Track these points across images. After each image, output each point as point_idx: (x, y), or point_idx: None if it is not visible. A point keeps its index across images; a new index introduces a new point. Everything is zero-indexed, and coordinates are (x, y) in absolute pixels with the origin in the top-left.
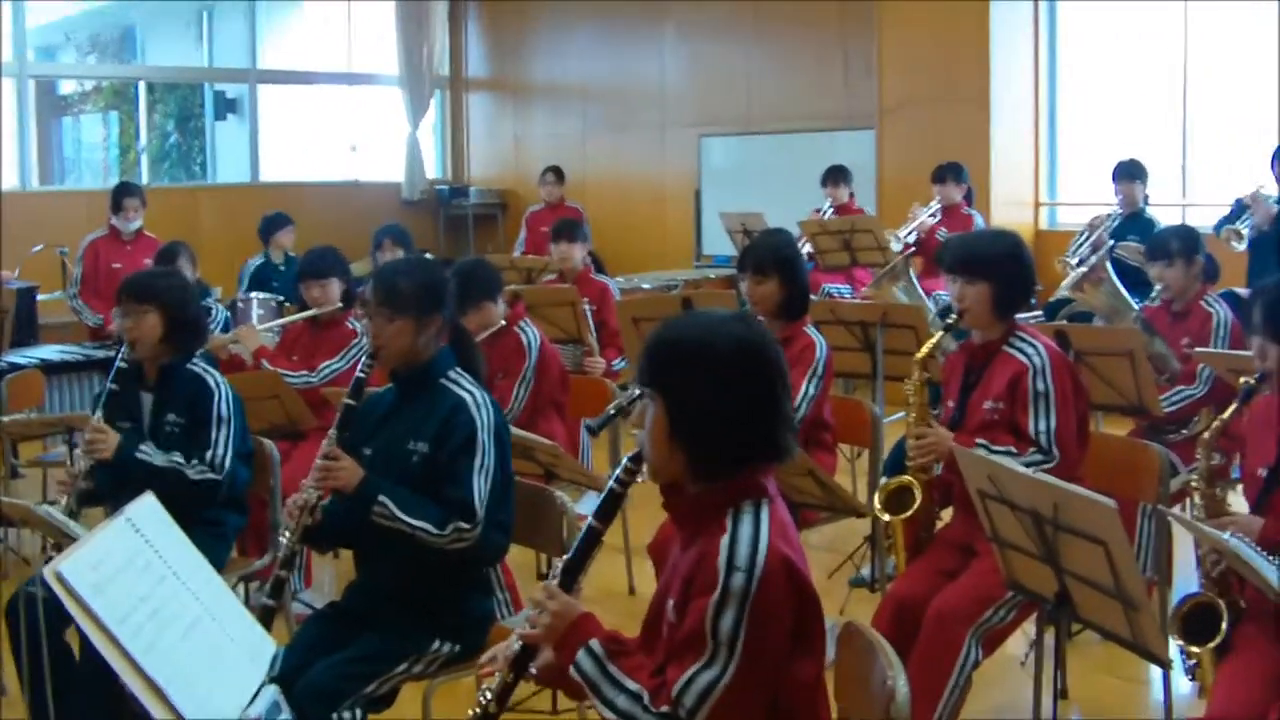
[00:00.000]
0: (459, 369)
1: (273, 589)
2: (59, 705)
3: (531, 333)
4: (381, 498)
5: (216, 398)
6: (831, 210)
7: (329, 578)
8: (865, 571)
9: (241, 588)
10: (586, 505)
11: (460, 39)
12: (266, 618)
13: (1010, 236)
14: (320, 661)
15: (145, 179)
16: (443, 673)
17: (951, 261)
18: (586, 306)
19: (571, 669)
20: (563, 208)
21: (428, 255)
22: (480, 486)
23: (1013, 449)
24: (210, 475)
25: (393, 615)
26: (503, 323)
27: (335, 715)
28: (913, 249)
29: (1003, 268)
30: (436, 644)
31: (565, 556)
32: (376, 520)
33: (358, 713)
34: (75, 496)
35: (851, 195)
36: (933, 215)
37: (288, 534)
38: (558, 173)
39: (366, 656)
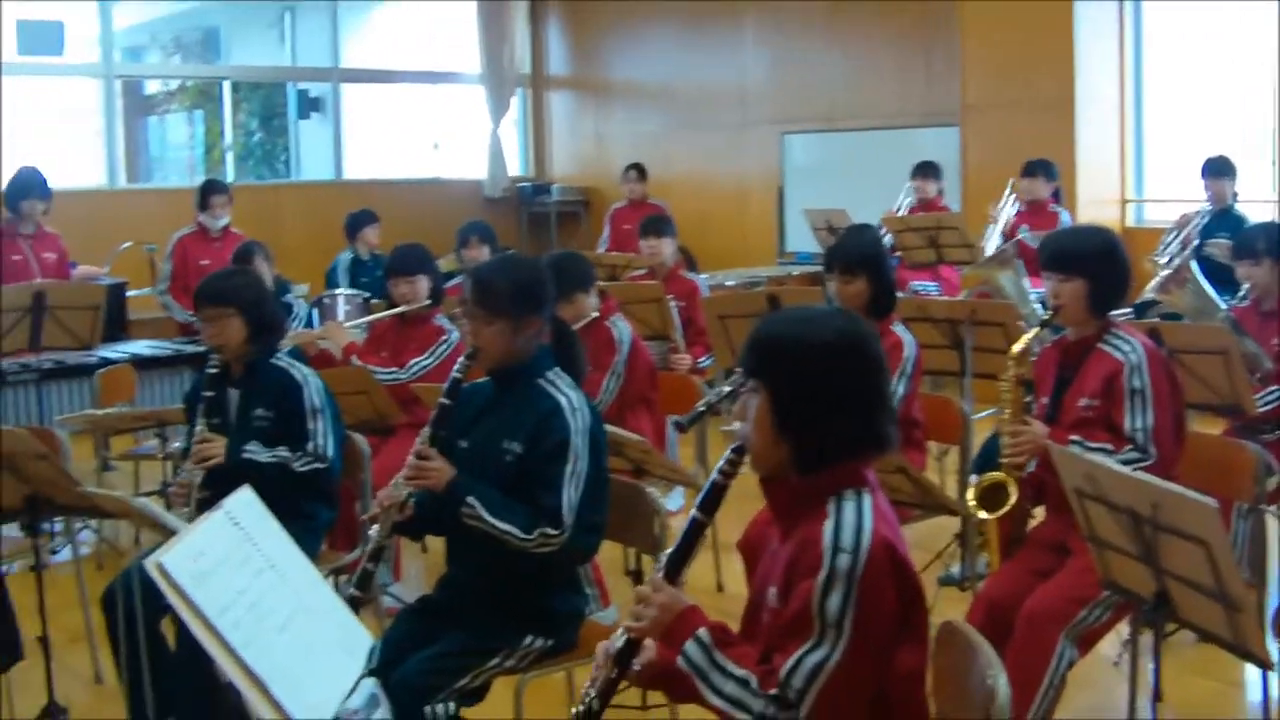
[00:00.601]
0: (557, 370)
1: (359, 581)
2: (156, 694)
3: (623, 327)
4: (470, 499)
5: (306, 389)
6: (912, 204)
7: (418, 571)
8: (955, 569)
9: (330, 581)
10: (673, 500)
11: (541, 37)
12: (353, 610)
13: (1106, 233)
14: (413, 655)
15: (230, 177)
16: (534, 668)
17: (1047, 258)
18: (674, 303)
19: (679, 659)
20: (646, 205)
21: (511, 251)
22: (570, 494)
23: (1108, 446)
24: (316, 464)
25: (485, 610)
26: (594, 315)
27: (428, 709)
28: (1016, 240)
29: (1098, 264)
30: (528, 639)
31: (669, 550)
32: (465, 520)
33: (450, 706)
34: (195, 506)
35: (940, 192)
36: (1012, 206)
37: (376, 528)
38: (640, 170)
39: (459, 651)
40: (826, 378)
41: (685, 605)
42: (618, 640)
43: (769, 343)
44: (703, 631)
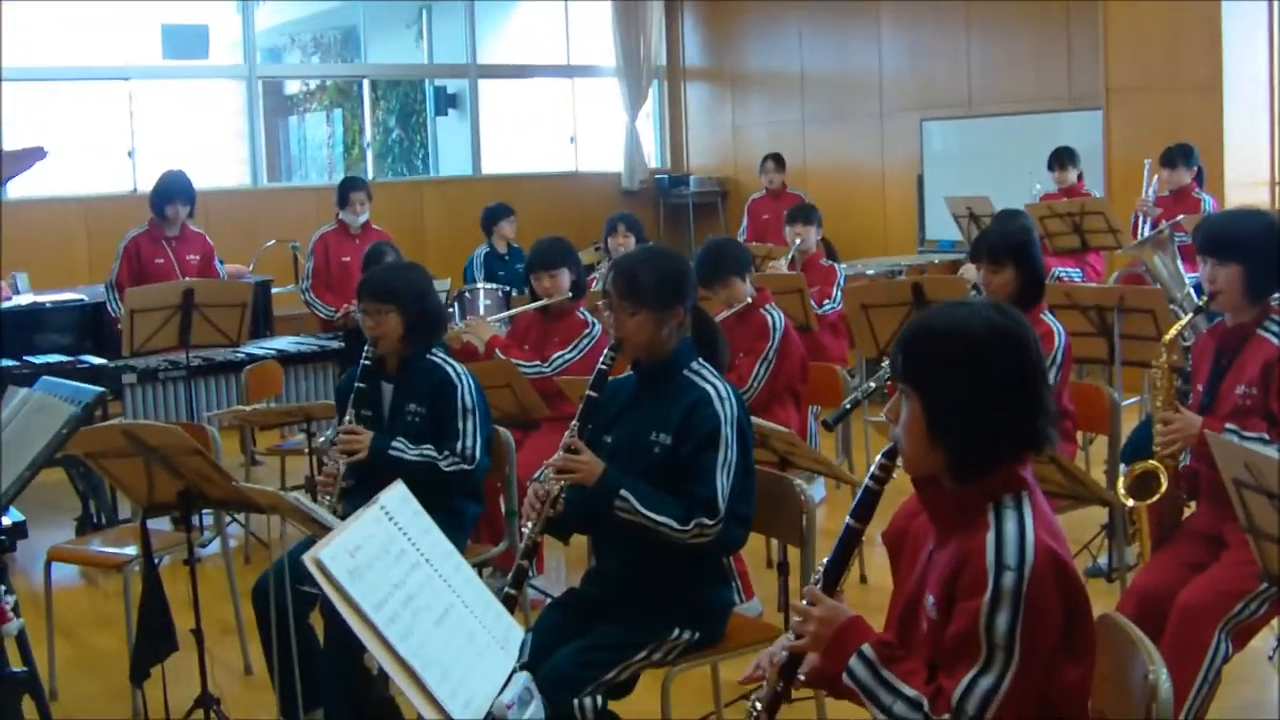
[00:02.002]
0: (701, 360)
1: (514, 579)
2: (305, 686)
3: (777, 316)
4: (624, 492)
5: (460, 389)
6: (1041, 193)
7: (560, 564)
8: (1102, 561)
9: (476, 572)
10: (816, 491)
11: (676, 30)
12: (508, 607)
13: (1265, 217)
14: (562, 649)
15: (370, 174)
16: (682, 660)
17: (1203, 242)
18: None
19: (845, 676)
20: (785, 194)
21: (654, 243)
22: (723, 483)
23: (1265, 436)
24: (462, 465)
25: (632, 604)
26: (749, 300)
27: (577, 702)
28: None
29: (1256, 248)
30: (676, 632)
31: (825, 560)
32: (618, 514)
33: (599, 700)
34: (338, 495)
35: (1080, 177)
36: (1155, 194)
37: (530, 525)
38: (778, 160)
39: (607, 644)
40: (982, 380)
41: (846, 618)
42: (780, 653)
43: (920, 344)
44: (867, 648)
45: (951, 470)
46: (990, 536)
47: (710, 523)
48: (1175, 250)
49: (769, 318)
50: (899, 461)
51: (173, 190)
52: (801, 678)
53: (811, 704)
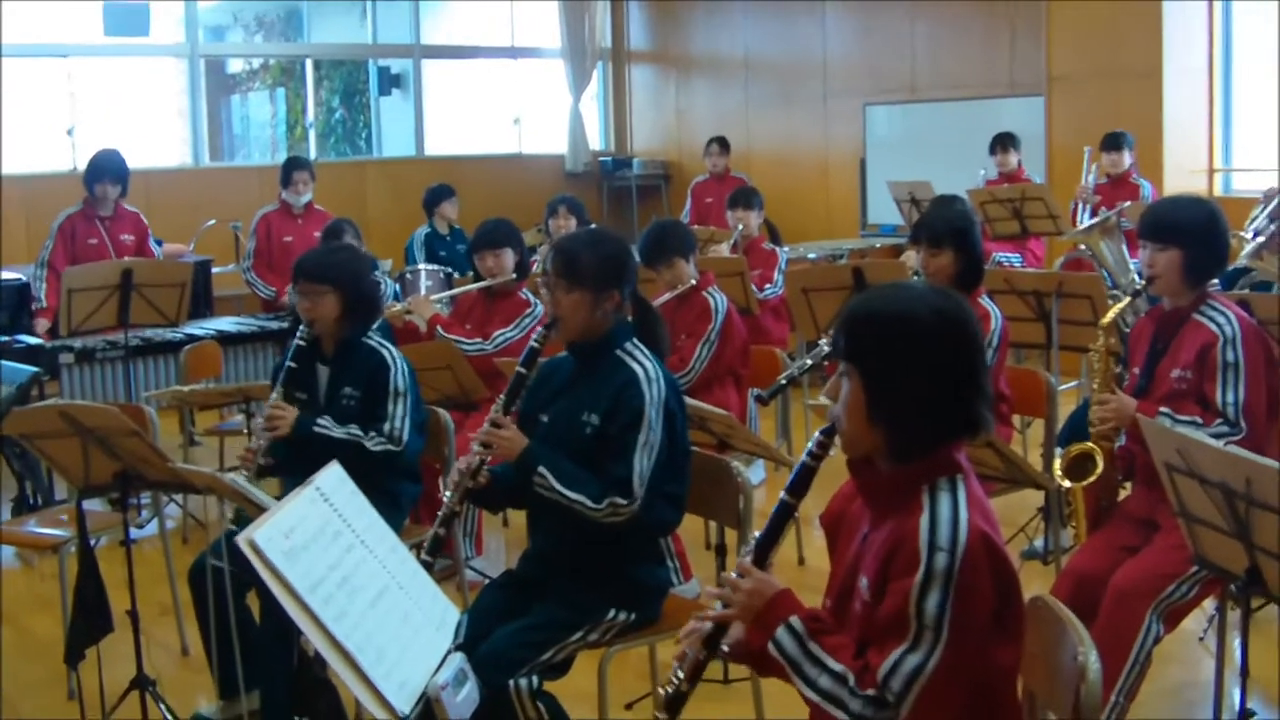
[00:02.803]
0: (636, 341)
1: (430, 546)
2: (242, 666)
3: (720, 299)
4: (541, 469)
5: (393, 371)
6: (987, 178)
7: (499, 545)
8: (1038, 543)
9: (414, 554)
10: (755, 474)
11: (621, 12)
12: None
13: (1207, 204)
14: (498, 630)
15: (313, 154)
16: (618, 641)
17: (1144, 227)
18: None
19: (771, 647)
20: (728, 178)
21: (595, 227)
22: (641, 464)
23: (1198, 419)
24: (389, 446)
25: (569, 584)
26: (692, 283)
27: (512, 683)
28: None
29: (1196, 235)
30: (612, 613)
31: (757, 533)
32: (537, 489)
33: (534, 680)
34: (255, 472)
35: (1020, 163)
36: (1092, 179)
37: (449, 494)
38: (723, 143)
39: (543, 625)
40: (922, 361)
41: (775, 590)
42: (706, 624)
43: (862, 324)
44: (795, 620)
45: (888, 451)
46: (924, 519)
47: (624, 503)
48: (1121, 236)
49: (711, 300)
50: (837, 440)
51: (102, 169)
52: (725, 648)
53: (748, 687)
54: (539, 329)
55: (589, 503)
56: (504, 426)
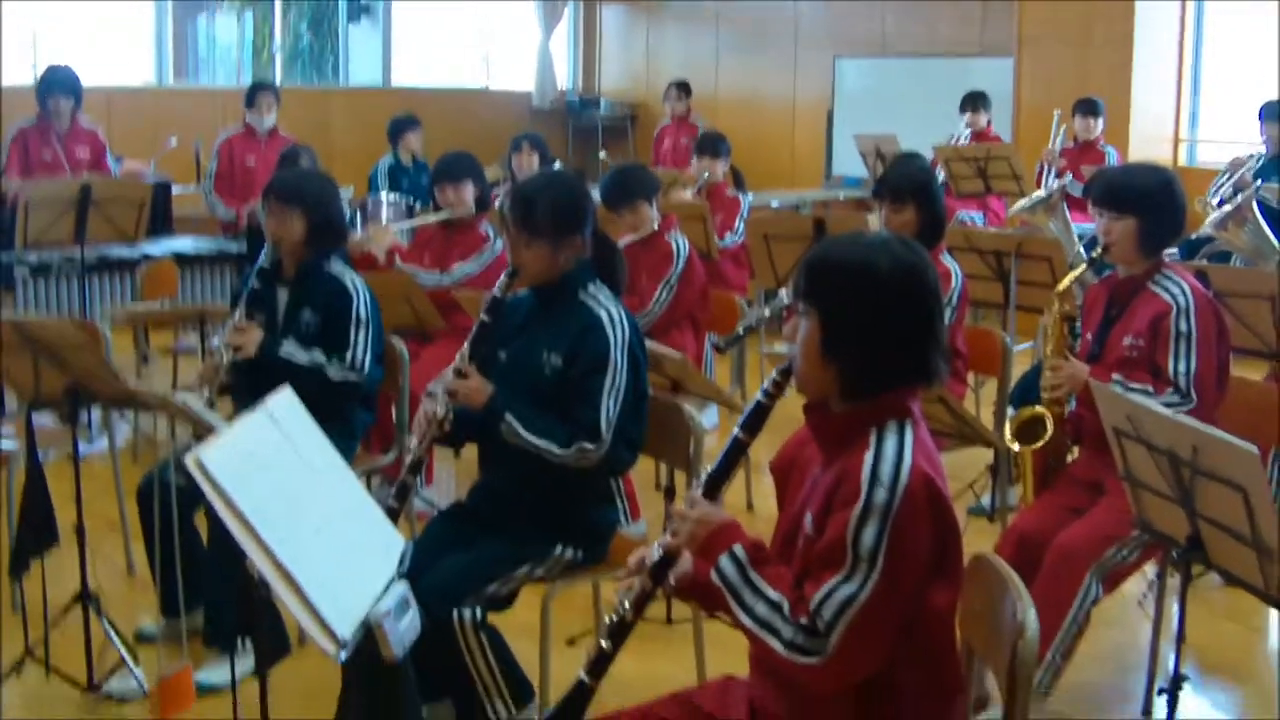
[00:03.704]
0: (599, 283)
1: (397, 492)
2: (186, 586)
3: (681, 242)
4: (508, 416)
5: (356, 300)
6: (968, 137)
7: (449, 476)
8: (985, 501)
9: (364, 480)
10: (709, 418)
11: None
12: (391, 519)
13: (1163, 173)
14: (444, 561)
15: (279, 79)
16: (563, 578)
17: (1100, 194)
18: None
19: (713, 573)
20: (686, 124)
21: (559, 165)
22: (609, 407)
23: (1149, 388)
24: (350, 376)
25: (516, 519)
26: (654, 227)
27: (455, 613)
28: (1063, 183)
29: (1153, 203)
30: (559, 549)
31: (709, 468)
32: (503, 436)
33: (478, 611)
34: (216, 389)
35: (989, 122)
36: (1059, 143)
37: (415, 442)
38: (683, 87)
39: (489, 558)
40: (880, 305)
41: (723, 520)
42: (654, 553)
43: (824, 266)
44: (738, 548)
45: (840, 389)
46: (868, 455)
47: (592, 447)
48: (1065, 211)
49: (673, 244)
50: (792, 382)
51: (53, 83)
52: (672, 582)
53: (690, 629)
54: (502, 277)
55: (555, 448)
56: (469, 375)
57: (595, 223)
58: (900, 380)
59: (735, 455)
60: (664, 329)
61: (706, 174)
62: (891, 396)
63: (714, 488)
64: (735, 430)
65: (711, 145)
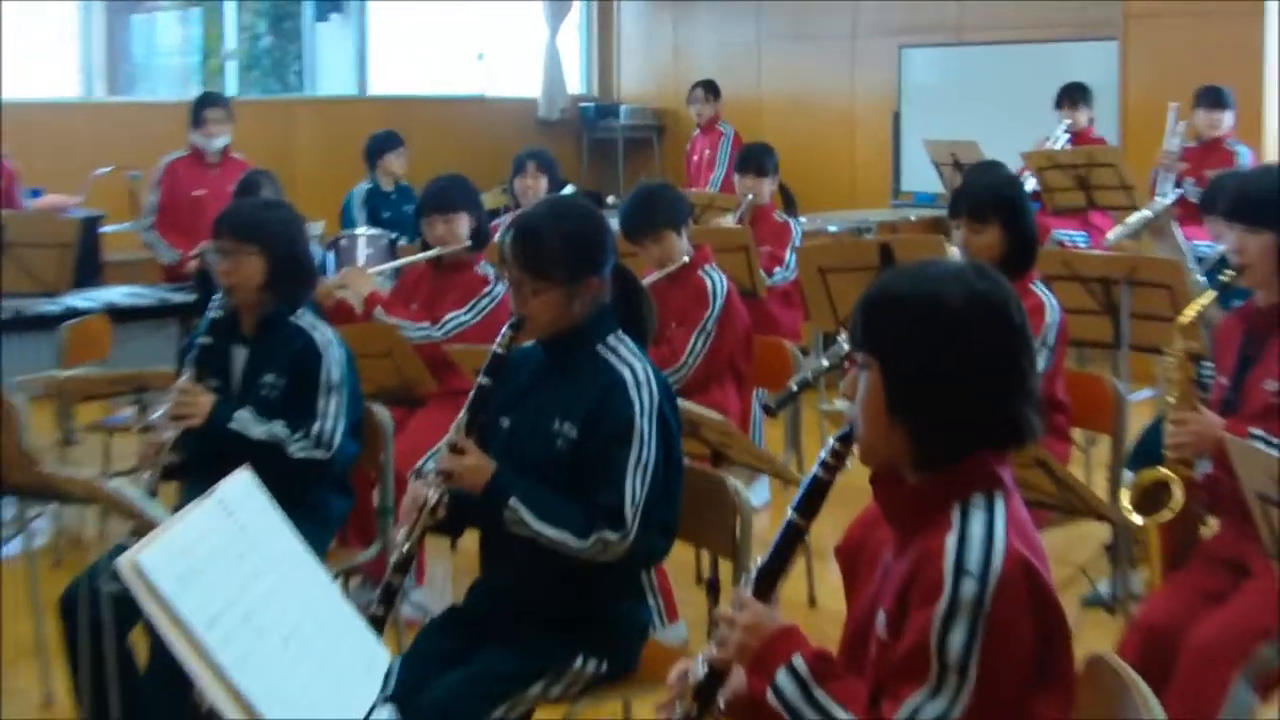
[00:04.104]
0: (620, 333)
1: (383, 596)
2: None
3: (718, 279)
4: (513, 501)
5: (326, 360)
6: (1067, 139)
7: (444, 574)
8: (1102, 588)
9: (341, 582)
10: (758, 493)
11: None
12: (374, 629)
13: None
14: (440, 678)
15: (232, 90)
16: (586, 695)
17: (1229, 204)
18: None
19: (769, 692)
20: (712, 130)
21: (571, 188)
22: (635, 487)
23: None
24: (315, 453)
25: (526, 625)
26: (685, 259)
27: None
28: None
29: None
30: (579, 661)
31: (759, 561)
32: (509, 526)
33: None
34: (159, 471)
35: (1091, 121)
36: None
37: (404, 534)
38: (709, 87)
39: (495, 674)
40: (954, 351)
41: (779, 626)
42: (697, 668)
43: (884, 305)
44: (799, 660)
45: (912, 457)
46: (951, 538)
47: (615, 536)
48: (1175, 231)
49: (708, 281)
50: (855, 449)
51: None
52: (722, 705)
53: None
54: (504, 329)
55: (572, 540)
56: (466, 451)
57: (616, 259)
58: (985, 442)
59: (791, 544)
60: (700, 385)
61: (750, 195)
62: (976, 463)
63: (767, 585)
64: (789, 514)
65: (756, 160)
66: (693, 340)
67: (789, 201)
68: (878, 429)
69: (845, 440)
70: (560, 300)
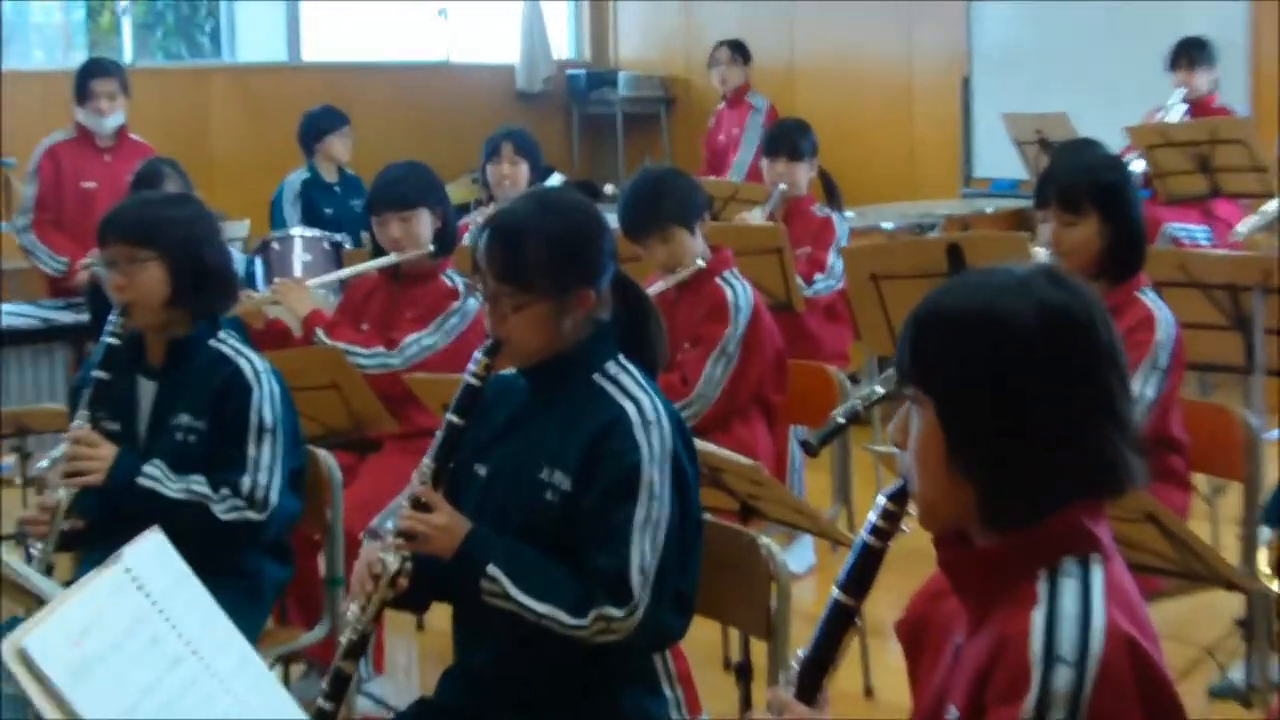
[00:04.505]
0: (622, 359)
1: (332, 686)
2: None
3: (741, 289)
4: (491, 569)
5: (256, 395)
6: (1184, 109)
7: (409, 659)
8: (1234, 674)
9: (280, 670)
10: (798, 557)
11: None
12: None
13: None
14: None
15: (127, 57)
16: None
17: None
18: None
19: None
20: (741, 103)
21: (558, 177)
22: (643, 551)
23: None
24: (249, 513)
25: None
26: (700, 264)
27: None
28: None
29: None
30: None
31: (802, 651)
32: (486, 599)
33: None
34: (55, 541)
35: (1214, 86)
36: None
37: (356, 610)
38: (736, 48)
39: None
40: (1026, 380)
41: None
42: None
43: (935, 329)
44: None
45: (982, 516)
46: (1038, 616)
47: (619, 613)
48: None
49: (729, 291)
50: (912, 508)
51: None
52: None
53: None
54: (477, 355)
55: (565, 616)
56: (434, 507)
57: (617, 265)
58: (1073, 492)
59: (838, 631)
60: (721, 422)
61: (782, 184)
62: (1063, 519)
63: (812, 682)
64: (834, 592)
65: (789, 141)
66: (710, 366)
67: (831, 192)
68: (937, 483)
69: (899, 498)
70: (547, 318)
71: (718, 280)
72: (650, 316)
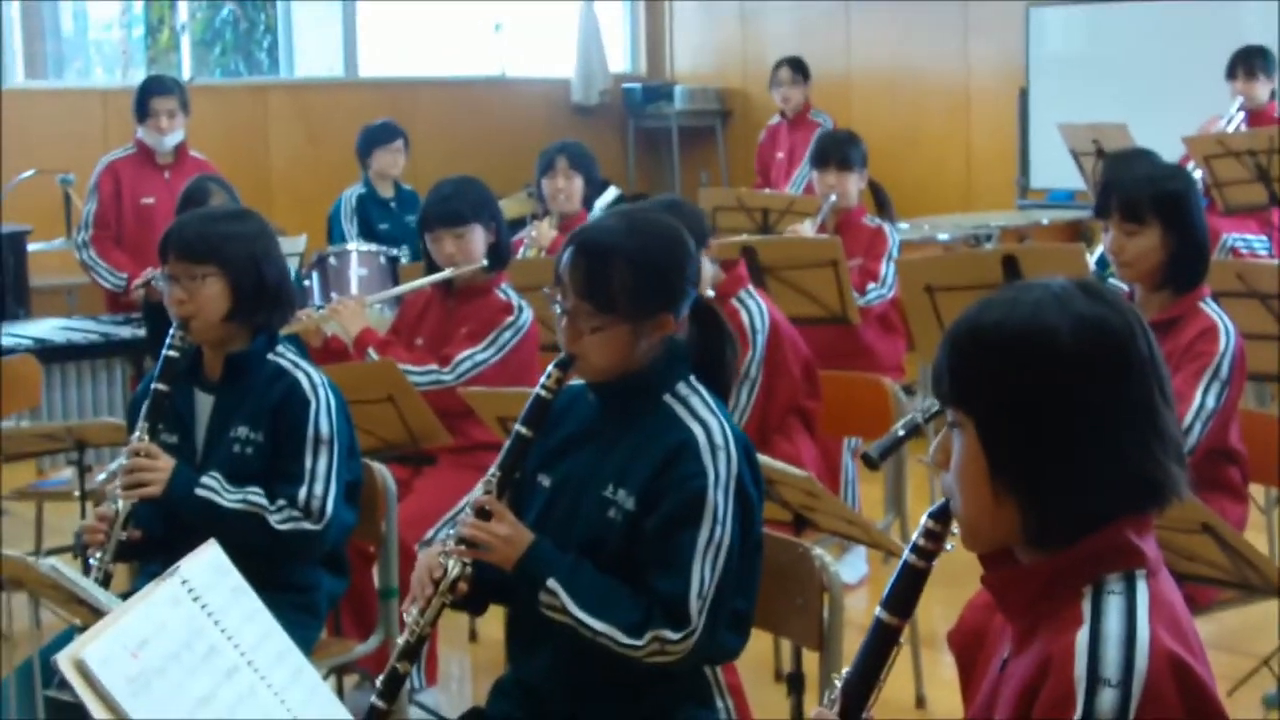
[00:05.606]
0: (693, 381)
1: (385, 686)
2: None
3: (755, 308)
4: (551, 583)
5: (314, 407)
6: (1243, 118)
7: (462, 669)
8: None
9: (334, 681)
10: (850, 568)
11: None
12: None
13: None
14: None
15: (186, 73)
16: None
17: None
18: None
19: None
20: (805, 121)
21: (613, 191)
22: (704, 575)
23: None
24: (304, 524)
25: None
26: (710, 292)
27: None
28: None
29: None
30: None
31: (846, 671)
32: (543, 611)
33: None
34: (113, 552)
35: (1274, 96)
36: None
37: (413, 614)
38: (797, 66)
39: None
40: (1066, 397)
41: None
42: None
43: (972, 347)
44: None
45: (1025, 535)
46: (1082, 635)
47: (676, 636)
48: None
49: (744, 312)
50: (954, 525)
51: None
52: None
53: None
54: (550, 368)
55: (622, 636)
56: (498, 517)
57: (698, 292)
58: (1116, 508)
59: (882, 651)
60: (760, 438)
61: (832, 195)
62: (1107, 536)
63: (858, 700)
64: (878, 611)
65: (839, 152)
66: (736, 392)
67: (881, 202)
68: (980, 503)
69: (942, 518)
70: (624, 339)
71: (733, 302)
72: (726, 340)
